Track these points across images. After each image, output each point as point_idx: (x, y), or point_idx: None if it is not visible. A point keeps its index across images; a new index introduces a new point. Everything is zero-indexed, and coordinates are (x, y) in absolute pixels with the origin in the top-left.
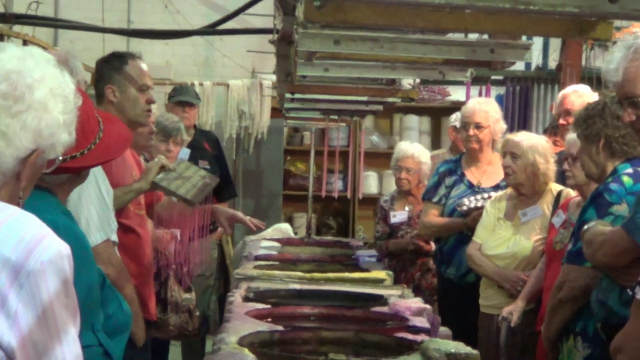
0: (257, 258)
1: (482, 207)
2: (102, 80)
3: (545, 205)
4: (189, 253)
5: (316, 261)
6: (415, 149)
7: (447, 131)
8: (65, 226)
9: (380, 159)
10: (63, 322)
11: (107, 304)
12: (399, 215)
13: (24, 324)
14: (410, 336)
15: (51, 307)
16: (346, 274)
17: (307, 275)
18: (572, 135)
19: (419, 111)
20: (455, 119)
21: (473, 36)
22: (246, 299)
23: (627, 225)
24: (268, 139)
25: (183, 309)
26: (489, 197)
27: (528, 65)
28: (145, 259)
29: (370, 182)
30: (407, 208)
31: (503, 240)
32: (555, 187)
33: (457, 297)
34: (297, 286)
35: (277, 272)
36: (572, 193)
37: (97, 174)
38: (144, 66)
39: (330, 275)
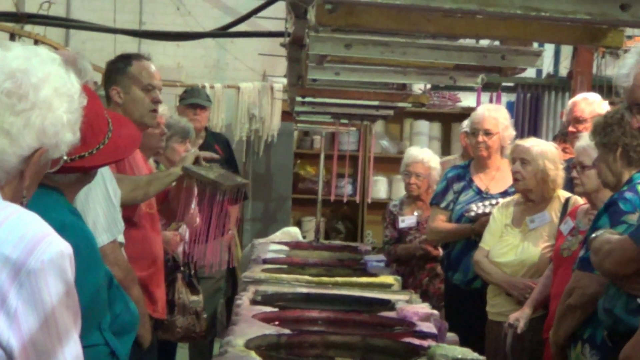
0: (265, 261)
1: (490, 213)
2: (108, 82)
3: (553, 212)
4: (206, 252)
5: (324, 265)
6: (425, 154)
7: (457, 137)
8: (72, 225)
9: (390, 163)
10: (63, 322)
11: (114, 304)
12: (407, 220)
13: (24, 323)
14: (417, 341)
15: (51, 306)
16: (354, 279)
17: (315, 279)
18: (581, 143)
19: (430, 117)
20: (466, 125)
21: (484, 42)
22: (254, 302)
23: (634, 234)
24: (278, 142)
25: (190, 311)
26: (497, 203)
27: (539, 72)
28: (156, 257)
29: (379, 187)
30: (415, 213)
31: (511, 247)
32: (563, 194)
33: (463, 303)
34: (304, 290)
35: (285, 276)
36: (580, 200)
37: (104, 174)
38: (151, 66)
39: (338, 279)
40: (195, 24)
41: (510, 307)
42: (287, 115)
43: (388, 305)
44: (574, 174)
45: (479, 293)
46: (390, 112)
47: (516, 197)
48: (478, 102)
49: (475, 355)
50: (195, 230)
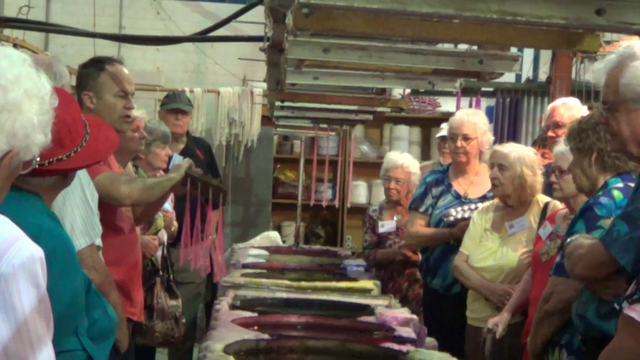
0: (244, 266)
1: (468, 218)
2: (79, 86)
3: (532, 217)
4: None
5: (304, 270)
6: (404, 159)
7: (437, 142)
8: (50, 229)
9: (370, 168)
10: (35, 328)
11: (92, 309)
12: (387, 225)
13: None
14: (396, 346)
15: (23, 312)
16: (333, 283)
17: (295, 284)
18: (559, 148)
19: (409, 121)
20: (444, 130)
21: (462, 47)
22: (233, 307)
23: (604, 239)
24: (258, 147)
25: (169, 316)
26: (476, 207)
27: (518, 77)
28: (137, 261)
29: (359, 192)
30: (395, 218)
31: (490, 252)
32: (542, 198)
33: (442, 308)
34: (284, 295)
35: (264, 281)
36: (559, 205)
37: (82, 178)
38: (124, 71)
39: (318, 284)
40: (176, 28)
41: (489, 312)
42: (267, 120)
43: (367, 310)
44: (553, 178)
45: (458, 298)
46: (370, 117)
47: (496, 201)
48: (457, 107)
49: None
50: (173, 234)
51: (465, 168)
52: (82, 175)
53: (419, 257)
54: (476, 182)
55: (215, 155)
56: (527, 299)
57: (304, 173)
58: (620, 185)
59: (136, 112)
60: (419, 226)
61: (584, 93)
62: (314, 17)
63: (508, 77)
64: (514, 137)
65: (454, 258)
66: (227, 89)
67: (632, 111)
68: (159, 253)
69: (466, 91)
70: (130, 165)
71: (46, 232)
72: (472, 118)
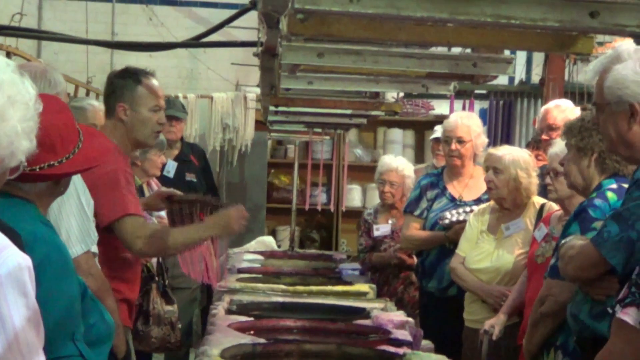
0: (240, 271)
1: (464, 221)
2: (113, 95)
3: (528, 219)
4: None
5: (299, 274)
6: (399, 162)
7: (430, 145)
8: (44, 236)
9: (364, 172)
10: (25, 337)
11: (88, 315)
12: (382, 229)
13: None
14: (392, 349)
15: (12, 321)
16: (329, 287)
17: (290, 288)
18: (554, 150)
19: (403, 125)
20: (437, 132)
21: (456, 50)
22: (229, 312)
23: (595, 240)
24: (252, 151)
25: (165, 322)
26: (471, 210)
27: (511, 79)
28: (139, 270)
29: (353, 196)
30: (390, 221)
31: (486, 254)
32: (538, 200)
33: (438, 311)
34: (280, 299)
35: (260, 285)
36: (555, 207)
37: (77, 185)
38: (157, 85)
39: (313, 288)
40: (168, 34)
41: (486, 314)
42: (260, 125)
43: (363, 313)
44: (548, 180)
45: (453, 300)
46: (364, 121)
47: (492, 204)
48: (451, 110)
49: None
50: None
51: (459, 171)
52: (77, 182)
53: (414, 260)
54: (471, 184)
55: (210, 160)
56: (523, 301)
57: (298, 177)
58: (614, 186)
59: None
60: (414, 229)
61: (577, 94)
62: (308, 22)
63: (501, 79)
64: (507, 139)
65: (449, 261)
66: (221, 94)
67: (615, 113)
68: (154, 259)
69: (460, 94)
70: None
71: (40, 239)
72: (466, 121)
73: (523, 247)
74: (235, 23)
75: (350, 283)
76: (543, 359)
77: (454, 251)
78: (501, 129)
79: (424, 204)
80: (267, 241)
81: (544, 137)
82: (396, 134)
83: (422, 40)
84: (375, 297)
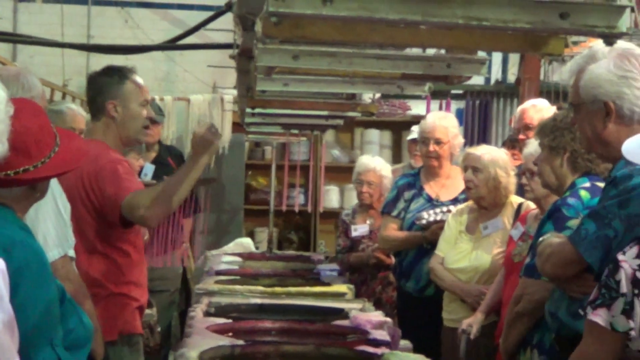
0: (218, 273)
1: (441, 221)
2: (101, 95)
3: (506, 218)
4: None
5: (277, 275)
6: (376, 162)
7: (407, 145)
8: (22, 241)
9: (342, 173)
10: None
11: (67, 319)
12: (360, 229)
13: None
14: (370, 349)
15: None
16: (307, 288)
17: (269, 289)
18: (529, 150)
19: (380, 125)
20: (414, 132)
21: (431, 51)
22: (207, 314)
23: (573, 238)
24: (229, 153)
25: (144, 325)
26: (448, 210)
27: (488, 79)
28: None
29: (331, 197)
30: (368, 222)
31: (464, 254)
32: (516, 199)
33: (416, 311)
34: (258, 301)
35: (238, 287)
36: (532, 205)
37: (54, 189)
38: (142, 81)
39: (292, 289)
40: (144, 37)
41: (465, 313)
42: (237, 127)
43: (341, 314)
44: (524, 180)
45: (431, 300)
46: (340, 122)
47: (470, 204)
48: (428, 110)
49: None
50: (145, 243)
51: (436, 171)
52: (54, 186)
53: (393, 260)
54: (447, 185)
55: None
56: (500, 300)
57: (276, 179)
58: (588, 185)
59: None
60: (392, 230)
61: (553, 94)
62: (282, 25)
63: (477, 80)
64: (484, 138)
65: (427, 261)
66: (198, 96)
67: (590, 112)
68: None
69: (436, 94)
70: None
71: (18, 244)
72: (443, 122)
73: (501, 247)
74: (211, 25)
75: (328, 284)
76: (520, 358)
77: (431, 251)
78: (478, 129)
79: (401, 205)
80: (245, 243)
81: (520, 136)
82: (373, 134)
83: (395, 42)
84: (353, 297)
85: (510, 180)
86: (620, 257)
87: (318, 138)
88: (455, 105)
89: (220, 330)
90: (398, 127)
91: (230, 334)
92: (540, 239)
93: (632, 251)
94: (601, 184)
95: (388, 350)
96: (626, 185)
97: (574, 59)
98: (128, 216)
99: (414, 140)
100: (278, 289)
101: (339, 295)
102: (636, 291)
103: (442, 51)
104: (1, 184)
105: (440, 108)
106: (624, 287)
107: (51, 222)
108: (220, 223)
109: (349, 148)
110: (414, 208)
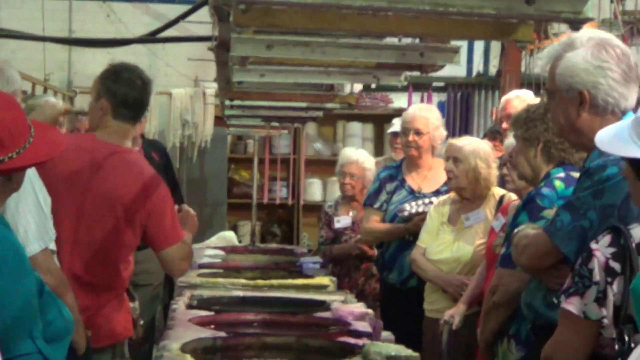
0: (201, 266)
1: (423, 213)
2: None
3: (488, 209)
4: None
5: (260, 269)
6: (359, 155)
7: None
8: (0, 234)
9: (324, 166)
10: None
11: (46, 311)
12: (342, 221)
13: None
14: (352, 340)
15: None
16: (289, 281)
17: (251, 282)
18: (510, 140)
19: (362, 118)
20: (395, 125)
21: (405, 41)
22: (189, 307)
23: (548, 229)
24: (212, 147)
25: None
26: (430, 202)
27: (469, 71)
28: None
29: (314, 190)
30: (351, 213)
31: (446, 245)
32: (498, 191)
33: (399, 302)
34: (240, 293)
35: (220, 280)
36: (514, 197)
37: (34, 183)
38: None
39: (274, 282)
40: (126, 30)
41: (446, 304)
42: (220, 121)
43: (323, 305)
44: (505, 171)
45: (414, 292)
46: (319, 114)
47: (452, 195)
48: (409, 103)
49: (409, 351)
50: None
51: (418, 163)
52: (34, 180)
53: (375, 251)
54: (429, 176)
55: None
56: (482, 290)
57: (259, 172)
58: (562, 175)
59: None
60: (374, 222)
61: (534, 86)
62: (252, 13)
63: (459, 71)
64: (465, 130)
65: (409, 253)
66: (179, 90)
67: (565, 100)
68: None
69: (417, 86)
70: None
71: None
72: (424, 113)
73: (483, 238)
74: (192, 18)
75: (311, 277)
76: (497, 348)
77: (413, 243)
78: (459, 121)
79: (383, 197)
80: (228, 236)
81: (504, 126)
82: (355, 127)
83: (365, 30)
84: (335, 289)
85: (490, 172)
86: (593, 245)
87: (300, 131)
88: (436, 97)
89: (203, 323)
90: (380, 120)
91: (212, 326)
92: (516, 230)
93: (604, 240)
94: (576, 174)
95: (369, 341)
96: (600, 175)
97: (552, 45)
98: (163, 263)
99: (395, 134)
100: (260, 282)
101: (321, 288)
102: (609, 279)
103: (417, 40)
104: None
105: (422, 100)
106: (597, 276)
107: (32, 216)
108: (203, 217)
109: (331, 141)
110: (396, 200)
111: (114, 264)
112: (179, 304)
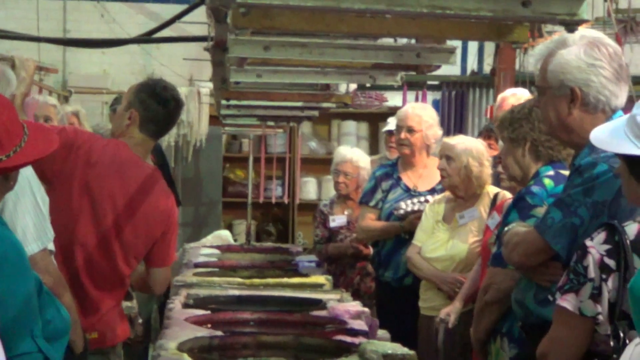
0: (196, 265)
1: (418, 211)
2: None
3: (483, 207)
4: None
5: (256, 267)
6: (354, 153)
7: (384, 136)
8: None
9: (319, 164)
10: None
11: (45, 310)
12: (338, 220)
13: None
14: (348, 339)
15: None
16: (285, 280)
17: (247, 281)
18: None
19: (357, 117)
20: (390, 124)
21: (401, 41)
22: (186, 306)
23: (539, 226)
24: (207, 146)
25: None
26: (425, 200)
27: (464, 69)
28: None
29: (309, 188)
30: (346, 212)
31: (441, 243)
32: (492, 189)
33: (394, 301)
34: (236, 292)
35: (216, 279)
36: (508, 195)
37: (32, 183)
38: None
39: (270, 280)
40: (121, 30)
41: (441, 301)
42: (214, 120)
43: (319, 304)
44: (500, 168)
45: (409, 290)
46: (315, 113)
47: (447, 194)
48: (404, 101)
49: (405, 350)
50: None
51: (413, 161)
52: (32, 180)
53: (371, 250)
54: (425, 175)
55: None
56: (477, 288)
57: (254, 171)
58: (552, 173)
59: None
60: (370, 220)
61: (528, 84)
62: (251, 15)
63: (453, 70)
64: (460, 129)
65: (405, 251)
66: None
67: (556, 97)
68: None
69: (412, 85)
70: None
71: None
72: (418, 111)
73: (478, 235)
74: (187, 18)
75: (306, 275)
76: (490, 347)
77: (409, 241)
78: (454, 119)
79: (379, 195)
80: (223, 235)
81: None
82: (350, 126)
83: (363, 31)
84: (331, 288)
85: (483, 171)
86: (588, 242)
87: (295, 130)
88: (431, 96)
89: (199, 322)
90: (375, 119)
91: (208, 325)
92: (506, 228)
93: (599, 237)
94: (565, 172)
95: (366, 339)
96: (591, 173)
97: (544, 43)
98: (152, 279)
99: (390, 132)
100: (256, 281)
101: (317, 286)
102: (604, 276)
103: (413, 41)
104: None
105: (417, 99)
106: (592, 273)
107: (30, 216)
108: (199, 216)
109: (326, 140)
110: (392, 198)
111: (123, 273)
112: (176, 303)
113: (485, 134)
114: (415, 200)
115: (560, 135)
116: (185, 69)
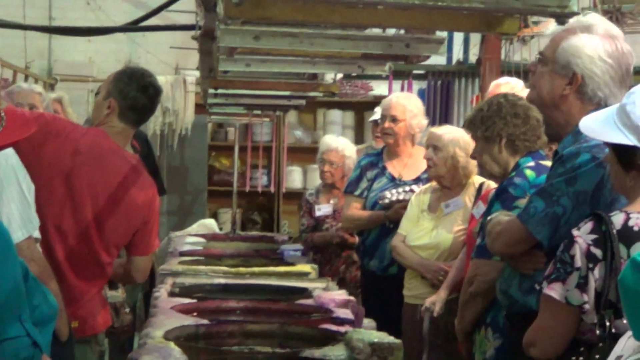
0: (182, 254)
1: (403, 200)
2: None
3: (468, 197)
4: None
5: (241, 256)
6: (339, 142)
7: (370, 125)
8: None
9: (305, 153)
10: None
11: (32, 296)
12: (323, 209)
13: None
14: (334, 327)
15: None
16: (271, 268)
17: (233, 270)
18: None
19: (343, 106)
20: (376, 113)
21: (390, 31)
22: (172, 294)
23: (522, 216)
24: (192, 135)
25: (109, 307)
26: (411, 190)
27: (449, 59)
28: None
29: (294, 177)
30: (332, 201)
31: (425, 231)
32: (478, 179)
33: (380, 289)
34: (222, 281)
35: (202, 267)
36: (493, 185)
37: (17, 171)
38: None
39: (256, 269)
40: (107, 18)
41: (425, 289)
42: (200, 108)
43: (305, 293)
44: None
45: (395, 279)
46: (302, 102)
47: (433, 184)
48: (390, 91)
49: (391, 338)
50: None
51: (398, 151)
52: (18, 169)
53: (356, 239)
54: (410, 164)
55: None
56: (462, 277)
57: (239, 160)
58: (532, 164)
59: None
60: (355, 209)
61: (514, 74)
62: (244, 6)
63: (439, 60)
64: (446, 118)
65: (390, 240)
66: (160, 78)
67: (555, 74)
68: None
69: (398, 74)
70: None
71: None
72: (402, 100)
73: (462, 224)
74: (174, 7)
75: (292, 264)
76: (475, 337)
77: (394, 230)
78: (439, 109)
79: (364, 184)
80: (208, 224)
81: None
82: (336, 115)
83: (354, 22)
84: (317, 277)
85: (469, 161)
86: (574, 232)
87: (280, 119)
88: (417, 85)
89: (185, 310)
90: (360, 108)
91: (194, 313)
92: (489, 217)
93: (586, 226)
94: (545, 162)
95: (351, 328)
96: (573, 163)
97: (574, 18)
98: (133, 267)
99: (376, 122)
100: (242, 269)
101: (302, 275)
102: (590, 265)
103: (402, 31)
104: None
105: (402, 88)
106: (579, 262)
107: (15, 204)
108: (184, 204)
109: (311, 129)
110: (377, 187)
111: (103, 261)
112: (161, 291)
113: None
114: (400, 189)
115: (545, 109)
116: (171, 57)
